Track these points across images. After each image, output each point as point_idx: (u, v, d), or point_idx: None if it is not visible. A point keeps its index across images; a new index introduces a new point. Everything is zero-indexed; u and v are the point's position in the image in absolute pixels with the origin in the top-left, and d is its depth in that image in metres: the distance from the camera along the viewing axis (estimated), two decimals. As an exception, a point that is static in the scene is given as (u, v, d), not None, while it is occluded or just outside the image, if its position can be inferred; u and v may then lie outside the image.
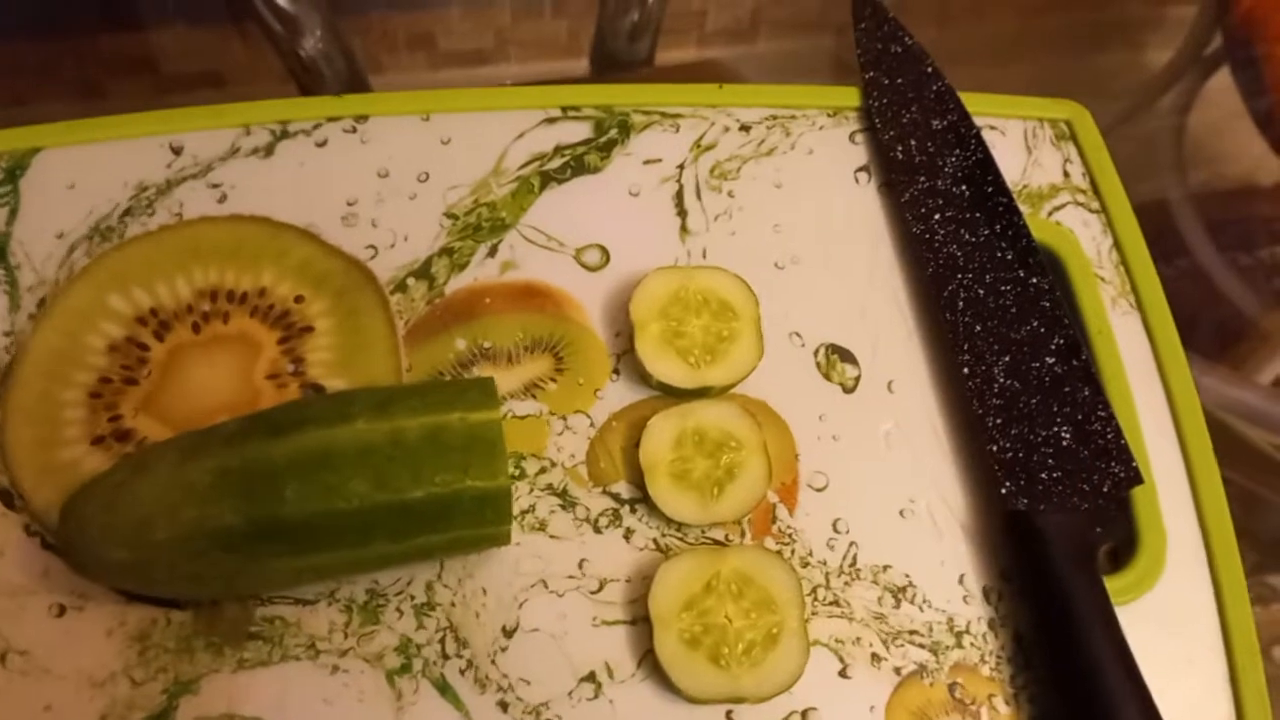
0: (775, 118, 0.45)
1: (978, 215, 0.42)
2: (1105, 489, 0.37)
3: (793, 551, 0.37)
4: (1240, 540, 0.50)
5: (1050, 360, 0.39)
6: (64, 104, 0.61)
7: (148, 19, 0.61)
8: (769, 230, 0.43)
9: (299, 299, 0.40)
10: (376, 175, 0.42)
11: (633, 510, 0.37)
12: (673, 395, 0.39)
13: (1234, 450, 0.54)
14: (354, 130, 0.43)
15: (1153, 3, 0.74)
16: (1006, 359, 0.39)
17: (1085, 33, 0.74)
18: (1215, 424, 0.49)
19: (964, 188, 0.43)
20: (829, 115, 0.45)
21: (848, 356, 0.41)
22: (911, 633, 0.36)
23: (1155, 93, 0.70)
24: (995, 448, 0.38)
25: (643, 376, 0.39)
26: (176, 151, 0.42)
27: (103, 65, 0.61)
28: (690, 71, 0.66)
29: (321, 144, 0.43)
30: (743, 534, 0.37)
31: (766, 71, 0.70)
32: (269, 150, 0.42)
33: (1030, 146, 0.45)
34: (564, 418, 0.39)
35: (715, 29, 0.69)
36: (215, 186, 0.41)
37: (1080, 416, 0.38)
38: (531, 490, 0.37)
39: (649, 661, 0.35)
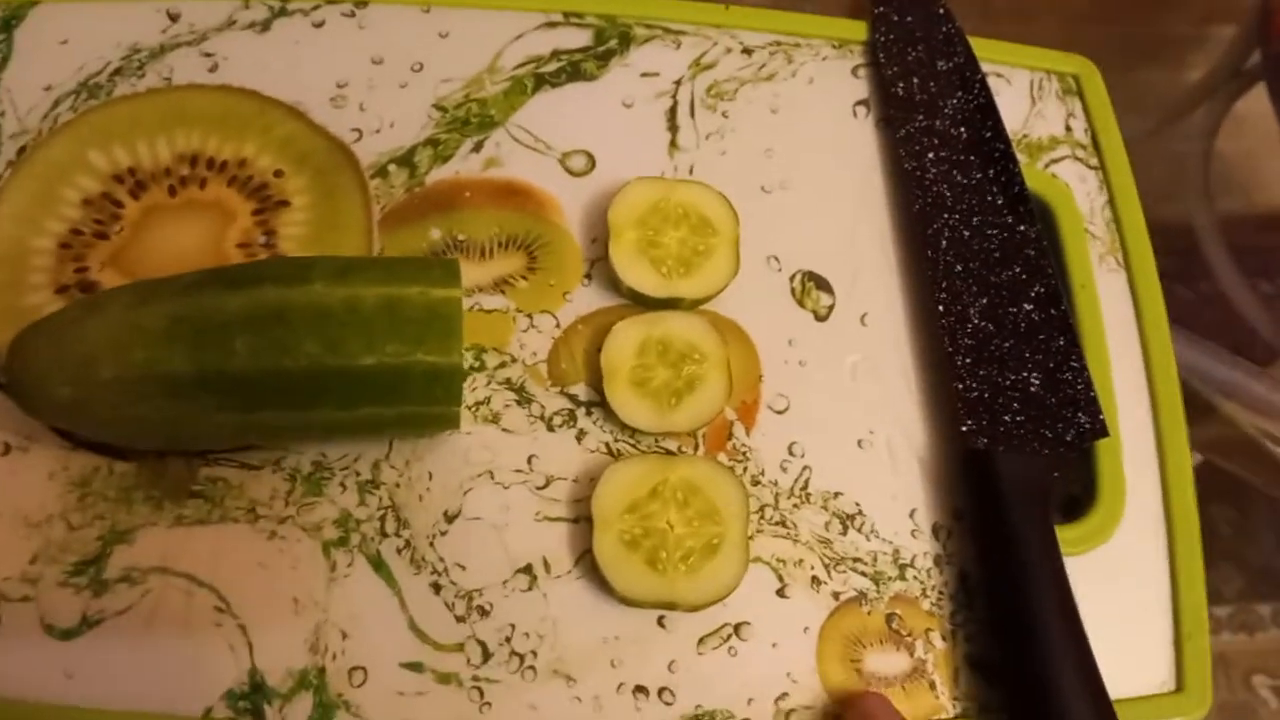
0: (779, 44, 0.44)
1: (972, 158, 0.41)
2: (1069, 437, 0.37)
3: (745, 469, 0.37)
4: (1228, 565, 0.49)
5: (1028, 307, 0.39)
6: None
7: None
8: (760, 154, 0.42)
9: (278, 173, 0.39)
10: (370, 61, 0.42)
11: (588, 413, 0.37)
12: (642, 304, 0.39)
13: (1221, 437, 0.53)
14: (353, 15, 0.43)
15: (1196, 21, 0.72)
16: (984, 301, 0.39)
17: (1127, 46, 0.72)
18: (1201, 403, 0.48)
19: (962, 130, 0.42)
20: (834, 47, 0.44)
21: (824, 285, 0.40)
22: (855, 560, 0.36)
23: (1184, 108, 0.68)
24: (961, 385, 0.37)
25: (614, 283, 0.39)
26: (173, 18, 0.42)
27: None
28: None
29: (319, 25, 0.42)
30: (696, 447, 0.37)
31: None
32: (266, 26, 0.42)
33: (1035, 97, 0.45)
34: (530, 316, 0.38)
35: (761, 2, 0.68)
36: (208, 56, 0.41)
37: (1052, 365, 0.38)
38: (489, 383, 0.37)
39: (586, 561, 0.35)
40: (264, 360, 0.31)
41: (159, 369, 0.31)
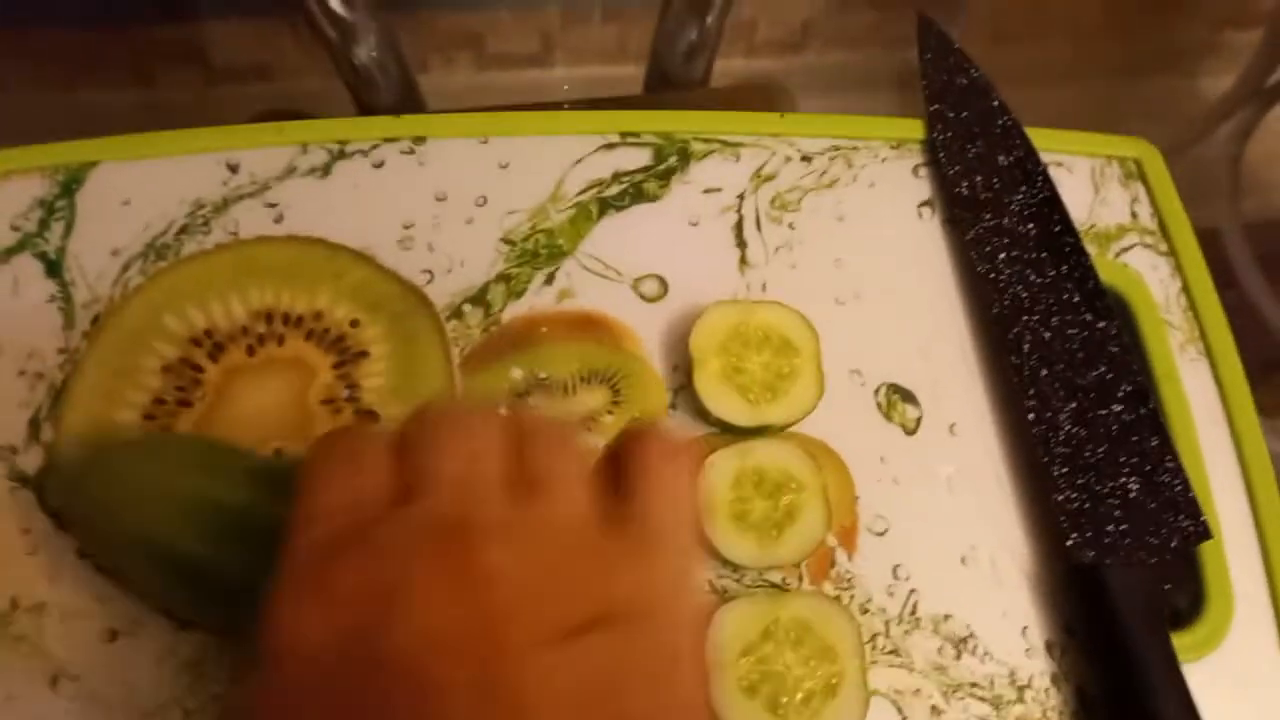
0: (838, 148, 0.44)
1: (1044, 255, 0.41)
2: (1173, 543, 0.36)
3: (851, 597, 0.36)
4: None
5: (1118, 407, 0.38)
6: (113, 92, 0.61)
7: (200, 10, 0.60)
8: (830, 264, 0.42)
9: (354, 323, 0.39)
10: (434, 198, 0.42)
11: (689, 550, 0.37)
12: (731, 433, 0.38)
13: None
14: (412, 152, 0.42)
15: (1211, 28, 0.73)
16: (1073, 405, 0.38)
17: (1140, 58, 0.72)
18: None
19: (1030, 226, 0.42)
20: (892, 147, 0.44)
21: (909, 397, 0.40)
22: (972, 685, 0.35)
23: (1214, 121, 0.68)
24: (1061, 498, 0.37)
25: (700, 413, 0.38)
26: (233, 169, 0.42)
27: (154, 54, 0.61)
28: (745, 94, 0.65)
29: (379, 165, 0.42)
30: (800, 578, 0.37)
31: (816, 85, 0.69)
32: (326, 170, 0.42)
33: (1097, 185, 0.44)
34: (620, 452, 0.38)
35: (765, 40, 0.69)
36: (272, 206, 0.41)
37: (1148, 467, 0.37)
38: (586, 526, 0.37)
39: (704, 707, 0.34)
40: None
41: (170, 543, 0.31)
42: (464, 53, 0.65)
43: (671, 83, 0.62)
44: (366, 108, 0.58)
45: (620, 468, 0.26)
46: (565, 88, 0.64)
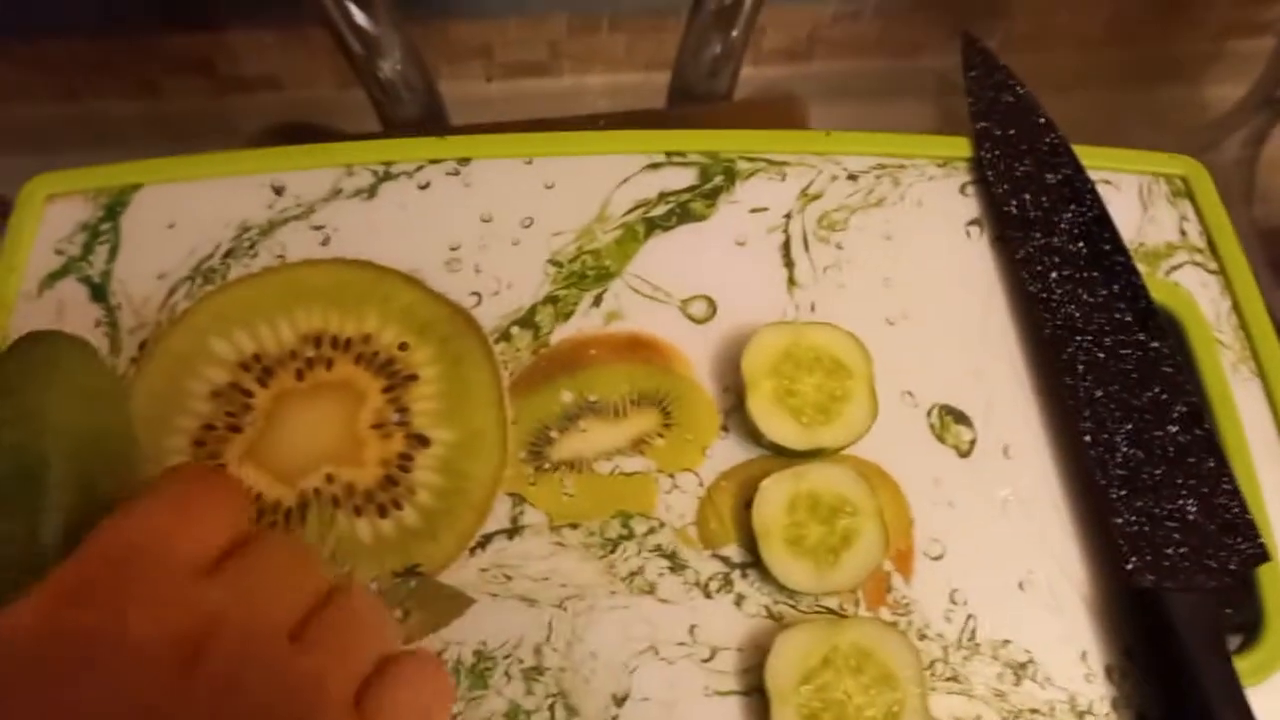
0: (884, 167, 0.44)
1: (1095, 274, 0.41)
2: (1232, 566, 0.36)
3: (909, 623, 0.36)
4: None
5: (1173, 429, 0.38)
6: (120, 102, 0.61)
7: (207, 20, 0.60)
8: (879, 284, 0.42)
9: (403, 346, 0.39)
10: (479, 220, 0.41)
11: (744, 575, 0.36)
12: (784, 455, 0.38)
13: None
14: (457, 173, 0.42)
15: (1214, 38, 0.73)
16: (1129, 426, 0.38)
17: (1144, 66, 0.72)
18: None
19: (1080, 245, 0.41)
20: (939, 166, 0.44)
21: (962, 418, 0.39)
22: (1033, 711, 0.35)
23: (1226, 129, 0.68)
24: (1120, 520, 0.36)
25: (753, 435, 0.38)
26: (278, 191, 0.41)
27: (160, 64, 0.61)
28: (768, 107, 0.65)
29: (424, 186, 0.42)
30: (857, 603, 0.36)
31: (823, 92, 0.69)
32: (372, 191, 0.42)
33: (1145, 203, 0.44)
34: (672, 476, 0.38)
35: (772, 48, 0.69)
36: (318, 229, 0.41)
37: (1206, 489, 0.37)
38: (640, 551, 0.37)
39: (765, 736, 0.34)
40: None
41: None
42: (473, 62, 0.65)
43: (695, 97, 0.61)
44: (389, 122, 0.57)
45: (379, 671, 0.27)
46: (600, 102, 0.64)
